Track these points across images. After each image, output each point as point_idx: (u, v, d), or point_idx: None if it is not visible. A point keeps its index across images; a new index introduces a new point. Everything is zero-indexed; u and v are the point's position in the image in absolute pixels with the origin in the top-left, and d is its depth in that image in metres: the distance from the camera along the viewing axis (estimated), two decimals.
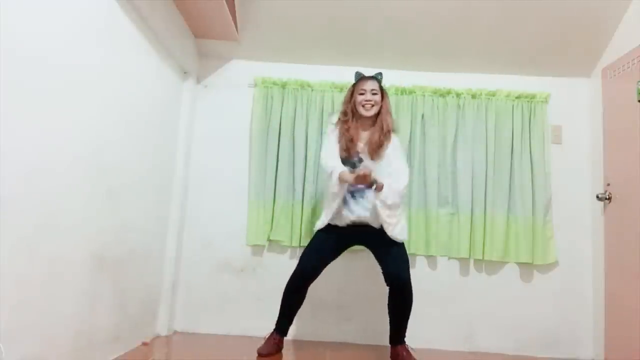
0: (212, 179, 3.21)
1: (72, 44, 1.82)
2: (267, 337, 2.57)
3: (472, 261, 3.13)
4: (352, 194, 2.47)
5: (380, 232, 2.43)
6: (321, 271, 2.51)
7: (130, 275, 2.45)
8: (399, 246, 2.46)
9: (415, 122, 3.17)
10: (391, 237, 2.41)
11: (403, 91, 3.19)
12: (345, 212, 2.47)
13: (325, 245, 2.51)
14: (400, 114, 3.17)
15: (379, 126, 2.52)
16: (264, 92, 3.22)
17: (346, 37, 3.09)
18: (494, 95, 3.18)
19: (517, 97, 3.17)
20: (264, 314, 3.05)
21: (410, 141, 3.15)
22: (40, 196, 1.67)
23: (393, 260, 2.43)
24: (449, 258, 3.12)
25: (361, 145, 2.52)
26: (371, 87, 2.52)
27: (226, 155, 3.24)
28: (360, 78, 2.58)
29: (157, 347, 2.68)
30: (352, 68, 3.18)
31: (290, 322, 2.58)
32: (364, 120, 2.56)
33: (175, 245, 3.00)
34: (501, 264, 3.10)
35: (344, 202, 2.47)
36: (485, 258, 3.05)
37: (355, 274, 3.09)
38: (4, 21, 1.44)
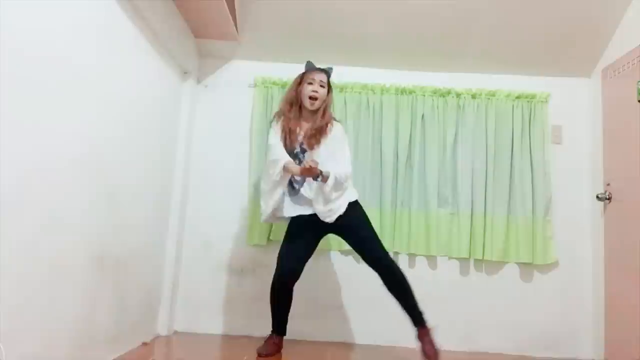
0: (212, 178, 3.21)
1: (72, 44, 1.82)
2: (266, 337, 2.57)
3: (472, 261, 3.13)
4: (292, 185, 2.47)
5: (338, 222, 2.41)
6: (302, 270, 2.47)
7: (130, 276, 2.45)
8: (361, 224, 2.45)
9: (415, 122, 3.17)
10: (342, 215, 2.39)
11: (403, 91, 3.19)
12: (286, 206, 2.47)
13: (297, 242, 2.48)
14: (400, 114, 3.17)
15: (319, 115, 2.49)
16: (264, 92, 3.22)
17: (346, 37, 3.09)
18: (494, 95, 3.18)
19: (517, 97, 3.17)
20: (264, 314, 3.04)
21: (410, 141, 3.15)
22: (40, 196, 1.67)
23: (362, 243, 2.44)
24: (449, 258, 3.12)
25: (302, 136, 2.49)
26: (320, 79, 2.50)
27: (226, 155, 3.24)
28: (310, 68, 2.55)
29: (157, 347, 2.68)
30: (352, 68, 3.21)
31: (285, 322, 2.57)
32: (307, 113, 2.53)
33: (175, 245, 3.00)
34: (501, 264, 3.10)
35: (284, 194, 2.46)
36: (485, 258, 3.05)
37: (355, 273, 3.08)
38: (4, 21, 1.44)
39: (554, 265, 3.09)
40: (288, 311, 2.55)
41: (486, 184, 3.10)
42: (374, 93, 3.19)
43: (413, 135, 3.16)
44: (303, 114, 2.54)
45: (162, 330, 2.91)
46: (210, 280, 3.12)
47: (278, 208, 2.49)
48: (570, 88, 3.23)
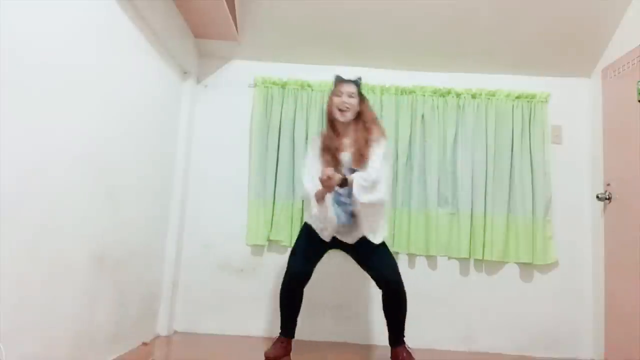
0: (212, 179, 3.21)
1: (72, 44, 1.82)
2: (274, 340, 2.50)
3: (472, 261, 3.13)
4: (343, 212, 2.38)
5: (360, 241, 2.39)
6: (312, 271, 2.44)
7: (130, 276, 2.45)
8: (382, 247, 2.41)
9: (415, 122, 3.17)
10: (374, 243, 2.36)
11: (403, 91, 3.19)
12: (334, 223, 2.36)
13: (310, 245, 2.45)
14: (400, 114, 3.17)
15: (362, 128, 2.41)
16: (264, 92, 3.22)
17: (346, 37, 3.09)
18: (494, 95, 3.18)
19: (517, 97, 3.17)
20: (264, 314, 3.06)
21: (410, 141, 3.15)
22: (40, 196, 1.67)
23: (380, 263, 2.39)
24: (449, 258, 3.12)
25: (347, 155, 2.41)
26: (348, 90, 2.42)
27: (226, 155, 3.24)
28: (337, 80, 2.49)
29: (157, 347, 2.68)
30: (352, 68, 3.18)
31: (294, 324, 2.51)
32: (343, 128, 2.45)
33: (175, 245, 3.00)
34: (501, 264, 3.10)
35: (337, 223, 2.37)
36: (485, 258, 3.05)
37: (355, 273, 3.08)
38: (3, 21, 1.44)
39: (554, 265, 3.09)
40: (297, 313, 2.49)
41: (486, 184, 3.10)
42: (374, 93, 3.19)
43: (413, 135, 3.16)
44: (340, 129, 2.46)
45: (162, 330, 2.91)
46: (210, 280, 3.12)
47: (330, 224, 2.36)
48: (570, 88, 3.23)
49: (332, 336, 3.04)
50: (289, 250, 3.11)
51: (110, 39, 2.12)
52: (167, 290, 2.96)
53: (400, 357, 2.39)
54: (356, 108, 2.45)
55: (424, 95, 3.19)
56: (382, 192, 2.33)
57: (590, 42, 3.03)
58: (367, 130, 2.42)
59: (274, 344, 2.46)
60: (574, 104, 3.23)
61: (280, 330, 2.49)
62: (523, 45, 3.08)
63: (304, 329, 2.95)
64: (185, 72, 3.11)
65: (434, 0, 2.86)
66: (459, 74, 3.24)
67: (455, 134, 3.16)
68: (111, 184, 2.19)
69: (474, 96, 3.19)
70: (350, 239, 2.42)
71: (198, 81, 3.28)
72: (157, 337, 2.86)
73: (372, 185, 2.31)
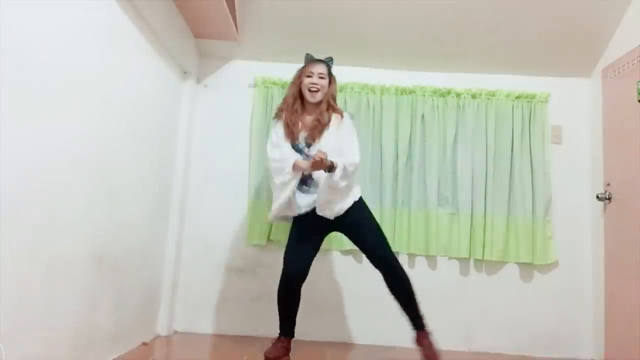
0: (212, 178, 3.21)
1: (72, 44, 1.82)
2: (274, 340, 2.49)
3: (472, 261, 3.13)
4: (304, 183, 2.41)
5: (341, 216, 2.39)
6: (308, 269, 2.42)
7: (130, 275, 2.45)
8: (367, 223, 2.41)
9: (415, 122, 3.17)
10: (347, 212, 2.37)
11: (403, 91, 3.19)
12: (295, 205, 2.40)
13: (303, 242, 2.43)
14: (400, 114, 3.17)
15: (323, 108, 2.44)
16: (264, 92, 3.22)
17: (346, 37, 3.09)
18: (494, 95, 3.18)
19: (517, 97, 3.17)
20: (264, 314, 3.05)
21: (410, 141, 3.14)
22: (40, 196, 1.67)
23: (367, 243, 2.40)
24: (449, 258, 3.12)
25: (305, 130, 2.44)
26: (319, 71, 2.44)
27: (226, 155, 3.24)
28: (309, 60, 2.51)
29: (157, 347, 2.68)
30: (352, 68, 3.20)
31: (293, 324, 2.51)
32: (310, 106, 2.47)
33: (175, 245, 3.00)
34: (501, 264, 3.10)
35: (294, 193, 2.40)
36: (485, 258, 3.05)
37: (355, 273, 3.09)
38: (4, 21, 1.44)
39: (554, 265, 3.09)
40: (296, 312, 2.49)
41: (486, 184, 3.10)
42: (374, 93, 3.19)
43: (413, 135, 3.16)
44: (307, 107, 2.49)
45: (162, 330, 2.91)
46: (210, 280, 3.12)
47: (289, 207, 2.41)
48: (570, 88, 3.23)
49: (332, 336, 3.04)
50: None
51: (110, 39, 2.12)
52: (167, 290, 2.96)
53: (422, 343, 2.35)
54: (326, 89, 2.47)
55: (424, 95, 3.19)
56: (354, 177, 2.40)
57: (590, 42, 3.03)
58: (328, 110, 2.44)
59: (274, 344, 2.45)
60: (574, 104, 3.23)
61: (279, 331, 2.49)
62: (523, 45, 3.08)
63: (303, 329, 2.95)
64: (185, 72, 3.11)
65: (434, 0, 2.86)
66: (459, 74, 3.24)
67: (455, 134, 3.16)
68: (111, 184, 2.19)
69: (474, 96, 3.19)
70: (329, 213, 2.38)
71: (198, 81, 3.28)
72: (157, 337, 2.86)
73: (355, 170, 2.37)
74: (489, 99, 3.18)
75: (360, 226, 2.43)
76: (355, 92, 3.19)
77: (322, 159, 2.18)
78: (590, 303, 3.04)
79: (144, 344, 2.64)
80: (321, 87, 2.44)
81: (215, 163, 3.22)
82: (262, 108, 3.20)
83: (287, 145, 2.42)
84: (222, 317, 3.08)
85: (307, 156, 2.38)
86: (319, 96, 2.45)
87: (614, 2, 2.81)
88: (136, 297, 2.55)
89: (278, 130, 2.47)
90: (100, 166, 2.09)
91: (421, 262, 3.13)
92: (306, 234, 2.44)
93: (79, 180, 1.92)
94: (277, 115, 2.53)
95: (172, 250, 2.99)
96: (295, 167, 2.32)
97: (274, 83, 3.21)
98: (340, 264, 3.13)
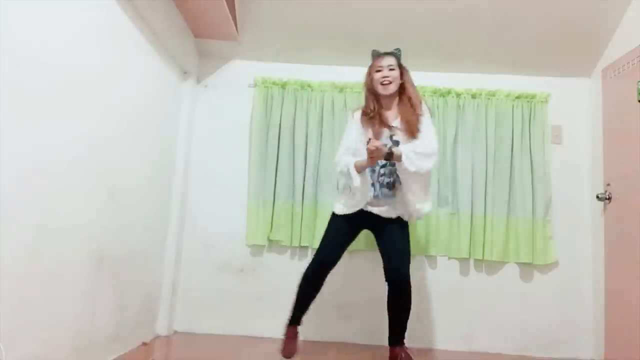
0: (212, 179, 3.21)
1: (72, 44, 1.82)
2: (285, 334, 2.47)
3: (472, 261, 3.13)
4: (380, 184, 2.36)
5: (393, 219, 2.37)
6: (339, 259, 2.43)
7: (130, 276, 2.45)
8: (404, 235, 2.39)
9: None
10: (397, 219, 2.36)
11: None
12: (369, 206, 2.37)
13: (343, 232, 2.43)
14: None
15: (407, 103, 2.37)
16: (264, 92, 3.22)
17: (346, 37, 3.09)
18: (494, 95, 3.18)
19: (517, 97, 3.17)
20: (264, 314, 3.06)
21: None
22: (40, 196, 1.67)
23: (394, 253, 2.37)
24: (449, 258, 3.12)
25: (392, 126, 2.37)
26: (388, 63, 2.38)
27: (226, 155, 3.24)
28: (376, 56, 2.46)
29: (157, 347, 2.68)
30: (352, 68, 3.19)
31: (304, 312, 2.48)
32: (387, 101, 2.42)
33: (175, 245, 3.01)
34: (501, 264, 3.10)
35: (373, 195, 2.35)
36: (485, 258, 3.05)
37: (356, 273, 3.08)
38: (3, 21, 1.44)
39: (554, 265, 3.09)
40: (312, 301, 2.48)
41: (486, 184, 3.10)
42: None
43: None
44: (383, 103, 2.42)
45: (162, 330, 2.91)
46: (210, 280, 3.12)
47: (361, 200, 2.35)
48: (570, 88, 3.23)
49: (333, 336, 3.04)
50: (289, 250, 3.15)
51: (110, 39, 2.12)
52: (167, 290, 2.96)
53: (399, 358, 2.38)
54: (398, 80, 2.41)
55: (424, 95, 3.19)
56: (431, 164, 2.32)
57: (590, 42, 3.03)
58: (413, 106, 2.38)
59: (286, 340, 2.45)
60: (574, 104, 3.23)
61: (289, 319, 2.47)
62: (523, 45, 3.08)
63: (305, 329, 2.96)
64: (185, 72, 3.12)
65: (434, 0, 2.86)
66: (459, 74, 3.24)
67: (455, 134, 3.15)
68: (111, 184, 2.19)
69: (474, 96, 3.19)
70: (386, 213, 2.37)
71: (198, 81, 3.28)
72: (157, 337, 2.86)
73: (429, 155, 2.29)
74: (489, 99, 3.18)
75: (397, 234, 2.39)
76: (355, 92, 3.18)
77: (377, 147, 2.16)
78: (590, 303, 3.04)
79: (144, 344, 2.64)
80: (393, 79, 2.38)
81: (215, 163, 3.22)
82: (262, 108, 3.20)
83: (352, 151, 2.37)
84: (222, 317, 3.08)
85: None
86: (392, 88, 2.38)
87: (614, 2, 2.81)
88: (136, 297, 2.55)
89: (352, 132, 2.42)
90: (100, 166, 2.09)
91: (421, 262, 3.13)
92: (345, 228, 2.43)
93: (79, 180, 1.92)
94: (355, 111, 2.49)
95: (172, 250, 2.99)
96: (357, 168, 2.30)
97: (274, 83, 3.21)
98: (341, 264, 3.11)
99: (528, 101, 3.18)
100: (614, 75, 2.86)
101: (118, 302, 2.32)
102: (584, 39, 3.01)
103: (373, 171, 2.38)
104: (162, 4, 2.58)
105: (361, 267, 3.05)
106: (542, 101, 3.18)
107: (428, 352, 2.93)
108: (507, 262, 3.10)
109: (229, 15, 2.78)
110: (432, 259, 3.13)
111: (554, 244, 3.07)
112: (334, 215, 2.47)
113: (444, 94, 3.19)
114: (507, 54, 3.13)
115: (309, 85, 3.20)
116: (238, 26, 3.01)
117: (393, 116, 2.41)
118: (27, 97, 1.58)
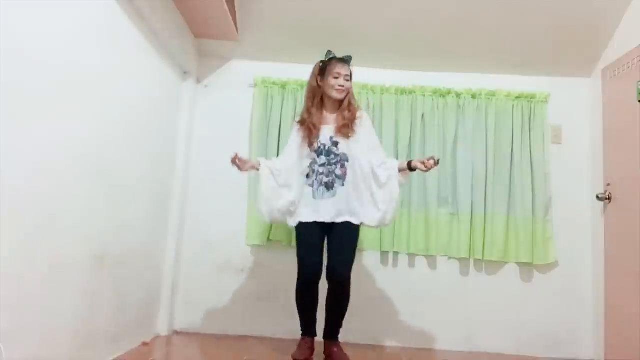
0: (212, 179, 3.20)
1: (72, 44, 1.82)
2: (299, 342, 2.48)
3: (472, 261, 3.13)
4: (327, 187, 2.42)
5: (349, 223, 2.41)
6: (322, 259, 2.42)
7: (130, 275, 2.45)
8: (353, 239, 2.42)
9: (415, 122, 3.17)
10: (347, 223, 2.40)
11: (403, 91, 3.19)
12: (305, 212, 2.43)
13: (314, 242, 2.42)
14: (400, 114, 3.17)
15: (346, 105, 2.48)
16: (264, 92, 3.22)
17: (346, 37, 3.09)
18: (494, 95, 3.18)
19: (517, 97, 3.17)
20: (264, 314, 3.06)
21: (410, 141, 3.14)
22: (40, 196, 1.67)
23: (334, 252, 2.40)
24: (449, 258, 3.12)
25: (331, 127, 2.45)
26: (346, 73, 2.47)
27: (226, 155, 3.21)
28: (335, 59, 2.50)
29: (157, 347, 2.68)
30: (351, 68, 3.19)
31: (314, 323, 2.49)
32: (330, 104, 2.51)
33: (175, 245, 3.01)
34: (501, 264, 3.10)
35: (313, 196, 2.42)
36: (485, 258, 3.05)
37: (354, 274, 3.07)
38: (4, 21, 1.44)
39: (554, 265, 3.09)
40: (315, 311, 2.48)
41: (486, 184, 3.10)
42: (374, 93, 3.20)
43: (413, 135, 3.16)
44: (326, 105, 2.52)
45: (162, 330, 2.91)
46: (210, 280, 3.12)
47: (287, 213, 2.45)
48: (570, 88, 3.23)
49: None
50: (289, 250, 3.13)
51: (110, 39, 2.12)
52: (167, 290, 2.96)
53: (333, 353, 2.40)
54: (350, 89, 2.51)
55: (424, 95, 3.19)
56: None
57: (590, 42, 3.03)
58: (350, 104, 2.49)
59: (299, 346, 2.46)
60: (574, 104, 3.23)
61: (302, 332, 2.49)
62: (523, 45, 3.08)
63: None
64: (185, 72, 3.12)
65: (434, 0, 2.86)
66: (459, 74, 3.24)
67: (455, 134, 3.16)
68: (111, 184, 2.19)
69: (474, 96, 3.19)
70: (329, 217, 2.40)
71: (198, 81, 3.28)
72: (157, 337, 2.86)
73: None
74: (489, 99, 3.18)
75: (345, 237, 2.41)
76: (355, 92, 3.17)
77: (435, 162, 2.33)
78: (590, 303, 3.04)
79: (144, 343, 2.64)
80: (347, 89, 2.48)
81: (215, 163, 3.22)
82: (262, 108, 3.20)
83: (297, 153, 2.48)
84: (222, 317, 3.08)
85: (336, 155, 2.42)
86: (344, 95, 2.48)
87: (614, 2, 2.81)
88: (136, 297, 2.55)
89: (296, 136, 2.52)
90: (101, 166, 2.09)
91: (421, 262, 3.13)
92: (314, 234, 2.43)
93: (79, 180, 1.92)
94: (300, 120, 2.55)
95: (172, 250, 2.99)
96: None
97: (273, 83, 3.21)
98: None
99: (528, 101, 3.18)
100: (614, 75, 2.86)
101: (118, 301, 2.32)
102: (584, 39, 3.01)
103: (313, 171, 2.44)
104: (162, 4, 2.58)
105: (362, 266, 3.05)
106: (542, 101, 3.18)
107: (428, 352, 2.93)
108: (507, 262, 3.10)
109: (229, 15, 2.78)
110: (432, 259, 3.13)
111: (554, 244, 3.07)
112: (296, 228, 2.48)
113: (444, 94, 3.19)
114: (507, 54, 3.13)
115: None
116: (238, 26, 3.01)
117: (333, 118, 2.49)
118: (27, 97, 1.58)
